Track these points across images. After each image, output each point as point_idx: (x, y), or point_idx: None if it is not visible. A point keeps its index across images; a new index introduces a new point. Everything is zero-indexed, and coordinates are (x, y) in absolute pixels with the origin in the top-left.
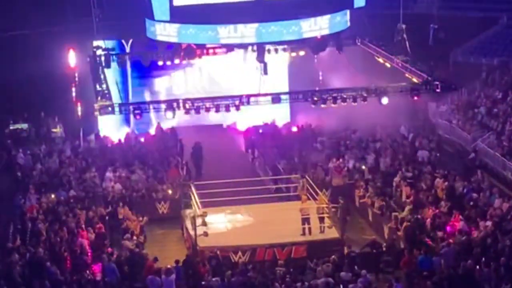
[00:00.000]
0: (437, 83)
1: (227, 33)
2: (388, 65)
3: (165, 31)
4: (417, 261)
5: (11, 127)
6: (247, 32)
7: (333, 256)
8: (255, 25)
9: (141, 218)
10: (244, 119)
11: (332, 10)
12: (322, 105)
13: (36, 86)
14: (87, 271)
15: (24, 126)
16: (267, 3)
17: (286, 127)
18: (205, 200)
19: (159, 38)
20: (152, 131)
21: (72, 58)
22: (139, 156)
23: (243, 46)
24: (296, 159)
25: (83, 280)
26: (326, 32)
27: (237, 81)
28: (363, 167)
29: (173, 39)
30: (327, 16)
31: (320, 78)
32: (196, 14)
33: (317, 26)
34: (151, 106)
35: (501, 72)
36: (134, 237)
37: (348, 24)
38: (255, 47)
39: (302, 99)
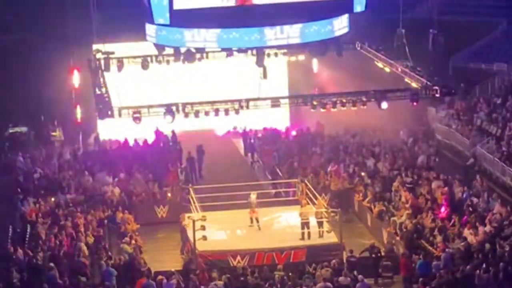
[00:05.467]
0: (437, 88)
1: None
2: (387, 70)
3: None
4: (416, 265)
5: (10, 130)
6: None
7: (333, 261)
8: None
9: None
10: (244, 123)
11: (332, 14)
12: (322, 110)
13: (36, 89)
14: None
15: (24, 129)
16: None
17: (286, 131)
18: (204, 204)
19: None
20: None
21: (71, 61)
22: (138, 160)
23: (244, 51)
24: (296, 163)
25: (81, 284)
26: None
27: (237, 85)
28: (362, 172)
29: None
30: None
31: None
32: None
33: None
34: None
35: (500, 77)
36: (133, 241)
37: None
38: (254, 51)
39: (301, 103)
